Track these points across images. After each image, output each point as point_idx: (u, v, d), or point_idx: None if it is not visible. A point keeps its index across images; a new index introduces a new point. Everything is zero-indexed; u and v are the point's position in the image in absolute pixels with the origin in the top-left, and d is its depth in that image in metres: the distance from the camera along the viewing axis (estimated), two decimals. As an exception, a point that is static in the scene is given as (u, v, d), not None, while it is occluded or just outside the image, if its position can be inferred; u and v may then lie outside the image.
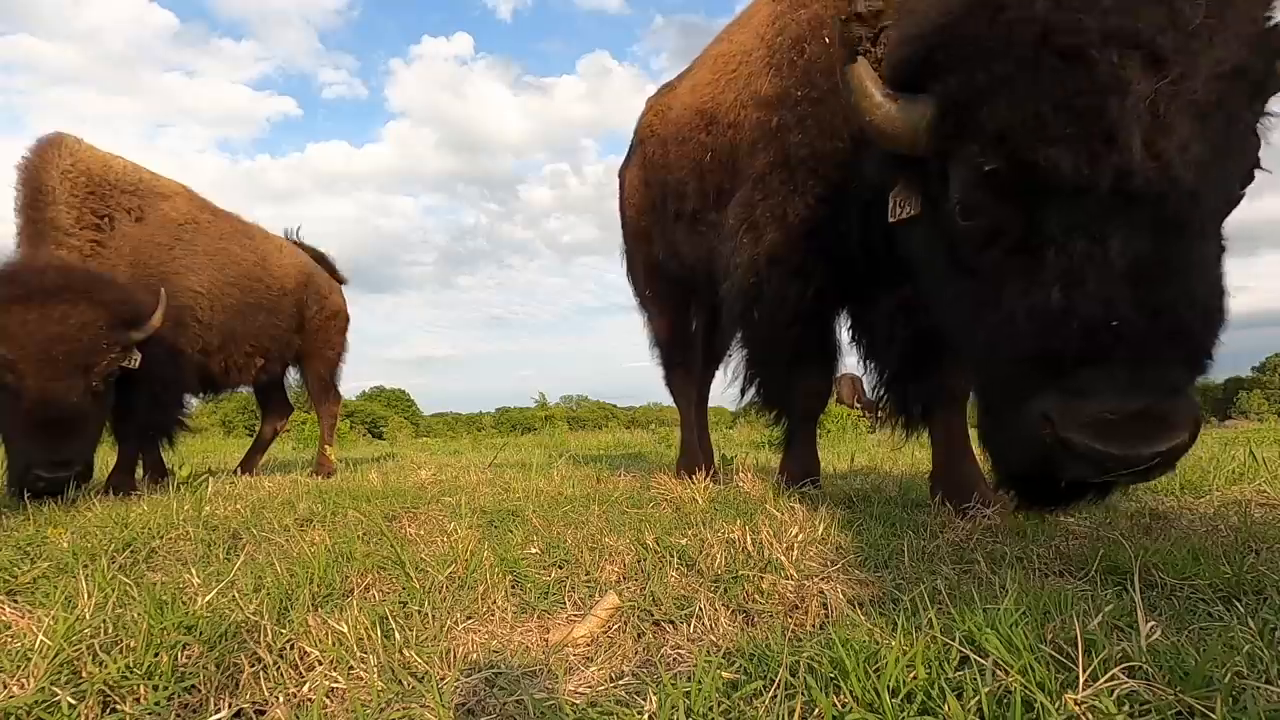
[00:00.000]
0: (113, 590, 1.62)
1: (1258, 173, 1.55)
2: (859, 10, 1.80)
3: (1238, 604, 1.46)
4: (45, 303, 3.56)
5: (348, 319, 6.72)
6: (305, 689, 1.22)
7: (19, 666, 1.19)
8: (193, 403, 5.41)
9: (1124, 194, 1.37)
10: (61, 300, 3.60)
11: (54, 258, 4.02)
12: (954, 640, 1.14)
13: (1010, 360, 1.56)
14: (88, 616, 1.39)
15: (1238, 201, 1.52)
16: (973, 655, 1.08)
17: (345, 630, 1.37)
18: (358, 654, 1.31)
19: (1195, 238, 1.41)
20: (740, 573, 1.78)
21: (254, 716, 1.17)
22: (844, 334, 3.14)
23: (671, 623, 1.55)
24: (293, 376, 6.56)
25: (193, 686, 1.20)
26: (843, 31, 1.85)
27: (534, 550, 2.10)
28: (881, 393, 2.99)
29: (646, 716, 1.05)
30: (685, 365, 4.51)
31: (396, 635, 1.40)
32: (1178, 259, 1.38)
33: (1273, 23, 1.46)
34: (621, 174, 4.72)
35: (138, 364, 3.90)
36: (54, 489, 3.52)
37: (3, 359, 3.44)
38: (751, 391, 3.28)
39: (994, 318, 1.59)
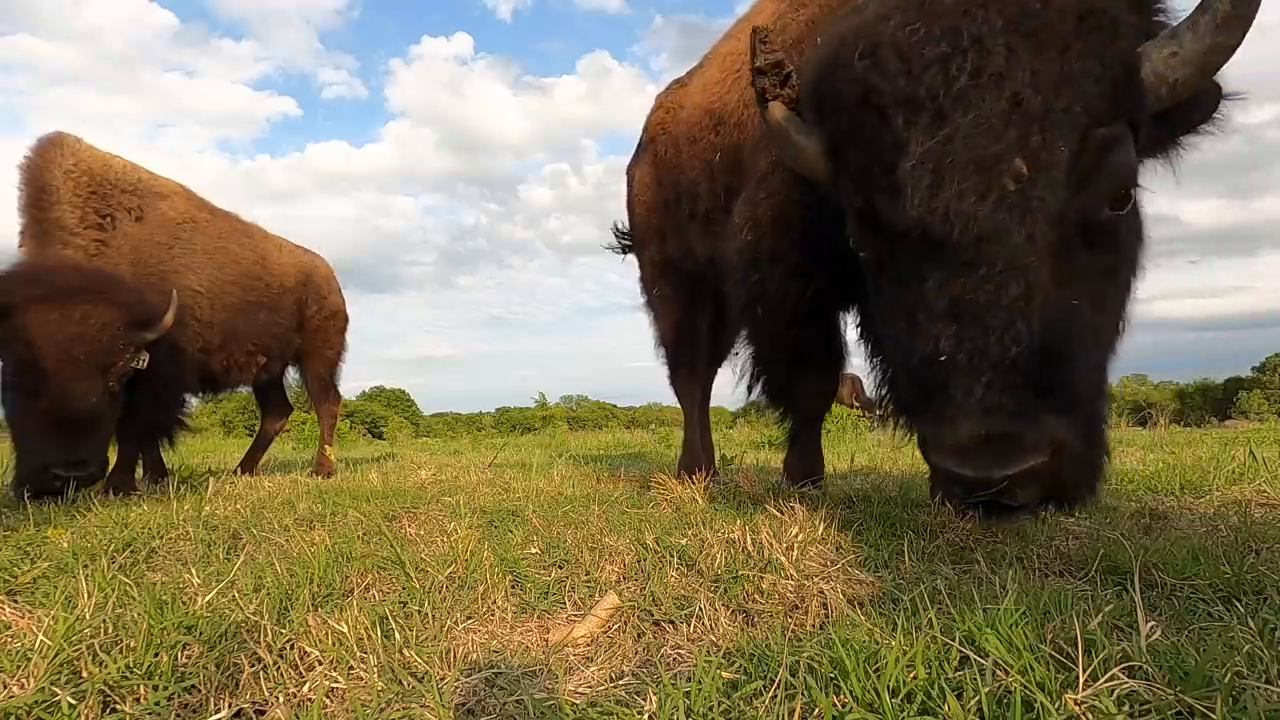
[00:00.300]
0: (113, 590, 1.62)
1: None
2: (759, 65, 1.98)
3: (1238, 604, 1.46)
4: (65, 303, 3.59)
5: (347, 318, 6.72)
6: (305, 689, 1.22)
7: (19, 666, 1.19)
8: (193, 402, 5.41)
9: (935, 241, 1.53)
10: (81, 301, 3.63)
11: (68, 258, 4.05)
12: (954, 640, 1.14)
13: (904, 383, 1.72)
14: (88, 616, 1.39)
15: (1111, 226, 1.59)
16: (973, 655, 1.08)
17: (345, 630, 1.37)
18: (358, 654, 1.31)
19: (1021, 275, 1.48)
20: (740, 573, 1.78)
21: (254, 716, 1.17)
22: (851, 334, 3.17)
23: (671, 623, 1.55)
24: (292, 376, 6.55)
25: (193, 686, 1.20)
26: (753, 82, 2.03)
27: (534, 550, 2.11)
28: (883, 392, 3.01)
29: (646, 716, 1.05)
30: (690, 365, 4.51)
31: (396, 635, 1.40)
32: (1005, 297, 1.48)
33: (1093, 52, 1.51)
34: (630, 171, 4.71)
35: (146, 365, 3.93)
36: (66, 487, 3.54)
37: (23, 359, 3.47)
38: (756, 389, 3.30)
39: (888, 343, 1.76)
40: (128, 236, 4.46)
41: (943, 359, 1.51)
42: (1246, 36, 1.51)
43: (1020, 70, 1.47)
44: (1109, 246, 1.60)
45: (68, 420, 3.54)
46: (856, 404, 15.46)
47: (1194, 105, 1.64)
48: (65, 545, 2.22)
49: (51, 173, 4.19)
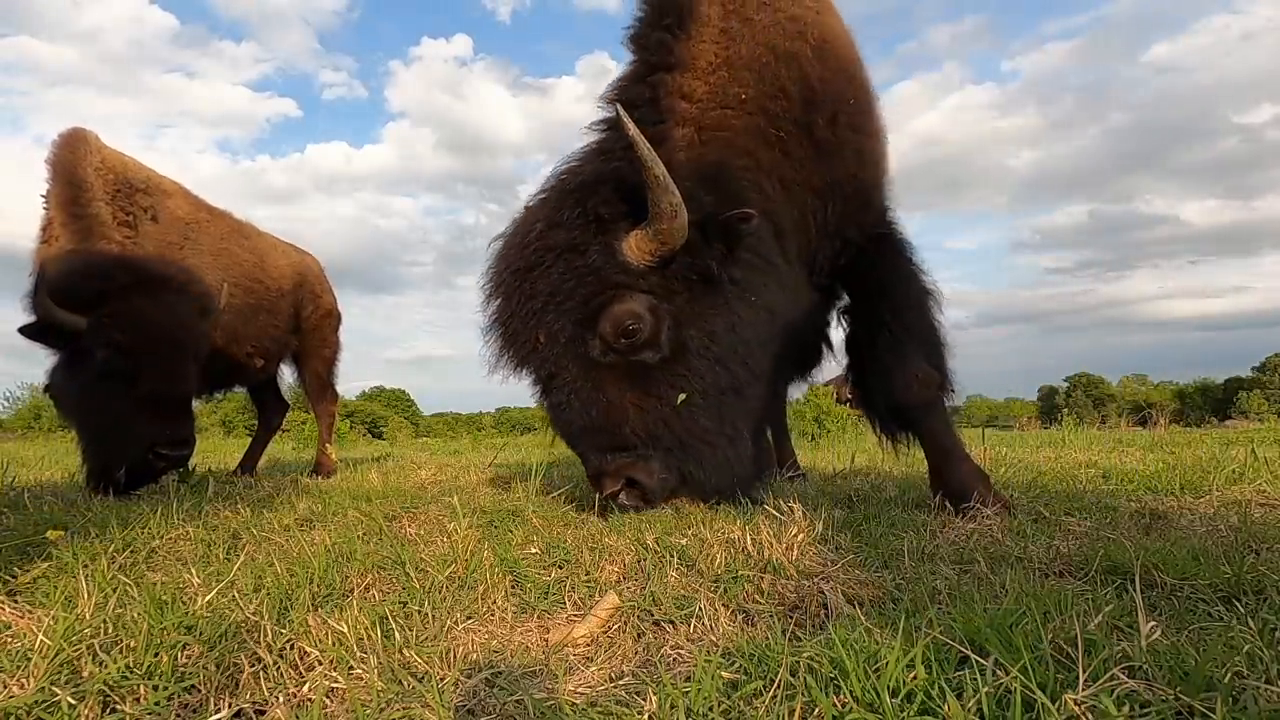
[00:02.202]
0: (113, 590, 1.62)
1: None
2: (599, 211, 2.43)
3: (1238, 604, 1.46)
4: (159, 290, 3.77)
5: (340, 317, 6.72)
6: (305, 689, 1.22)
7: (19, 666, 1.19)
8: (194, 403, 5.43)
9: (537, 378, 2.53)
10: (172, 288, 3.84)
11: (140, 250, 4.26)
12: (954, 640, 1.14)
13: None
14: (88, 616, 1.39)
15: (639, 347, 2.36)
16: (973, 655, 1.08)
17: (345, 630, 1.37)
18: (358, 654, 1.31)
19: (571, 390, 2.40)
20: (740, 573, 1.78)
21: (254, 716, 1.17)
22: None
23: (671, 623, 1.55)
24: (288, 375, 6.56)
25: (193, 686, 1.20)
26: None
27: (534, 550, 2.10)
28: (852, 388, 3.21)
29: (646, 716, 1.05)
30: None
31: (396, 635, 1.40)
32: (567, 403, 2.41)
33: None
34: None
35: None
36: (165, 471, 3.87)
37: (120, 345, 3.57)
38: None
39: None
40: (148, 235, 4.52)
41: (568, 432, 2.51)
42: (681, 228, 2.27)
43: (534, 285, 2.37)
44: (649, 357, 2.36)
45: (172, 401, 3.76)
46: (848, 398, 15.54)
47: (713, 236, 2.35)
48: (65, 545, 2.22)
49: (85, 169, 4.29)
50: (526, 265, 2.40)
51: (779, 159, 2.61)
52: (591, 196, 2.40)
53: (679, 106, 2.56)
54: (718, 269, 2.38)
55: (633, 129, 2.21)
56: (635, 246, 2.32)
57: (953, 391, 2.84)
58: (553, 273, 2.34)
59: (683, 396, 2.38)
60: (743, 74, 2.61)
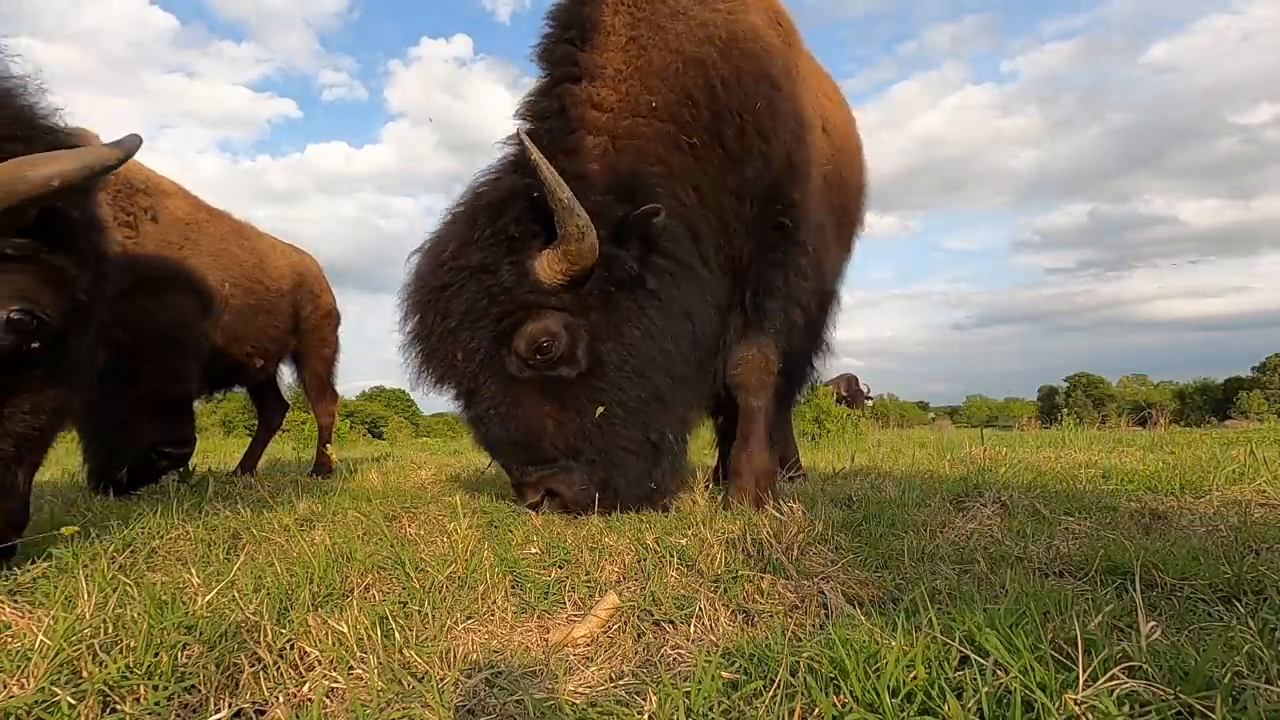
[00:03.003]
0: (113, 590, 1.62)
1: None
2: (509, 230, 2.50)
3: (1238, 604, 1.46)
4: (163, 290, 3.81)
5: (339, 318, 6.72)
6: (305, 689, 1.22)
7: (19, 666, 1.19)
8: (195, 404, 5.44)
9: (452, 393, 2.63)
10: (170, 289, 3.87)
11: (141, 250, 4.23)
12: (954, 640, 1.14)
13: None
14: (88, 616, 1.39)
15: (552, 363, 2.46)
16: (973, 655, 1.08)
17: (345, 630, 1.37)
18: (358, 654, 1.31)
19: (489, 404, 2.49)
20: (740, 573, 1.78)
21: (254, 716, 1.17)
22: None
23: (671, 623, 1.55)
24: (288, 375, 6.56)
25: (193, 686, 1.20)
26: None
27: (534, 550, 2.10)
28: None
29: (646, 716, 1.05)
30: None
31: (396, 635, 1.39)
32: (487, 416, 2.51)
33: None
34: None
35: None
36: (165, 470, 3.85)
37: (121, 344, 3.56)
38: None
39: None
40: (148, 235, 4.51)
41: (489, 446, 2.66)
42: (590, 248, 2.31)
43: (449, 304, 2.45)
44: (566, 373, 2.43)
45: (174, 401, 3.76)
46: (845, 396, 15.63)
47: (628, 242, 2.41)
48: (65, 545, 2.21)
49: None
50: (440, 284, 2.46)
51: (692, 165, 2.64)
52: (502, 215, 2.45)
53: (590, 116, 2.59)
54: (634, 277, 2.43)
55: (535, 154, 2.27)
56: (547, 266, 2.37)
57: (795, 379, 2.95)
58: (466, 292, 2.40)
59: (601, 410, 2.42)
60: (653, 82, 2.63)
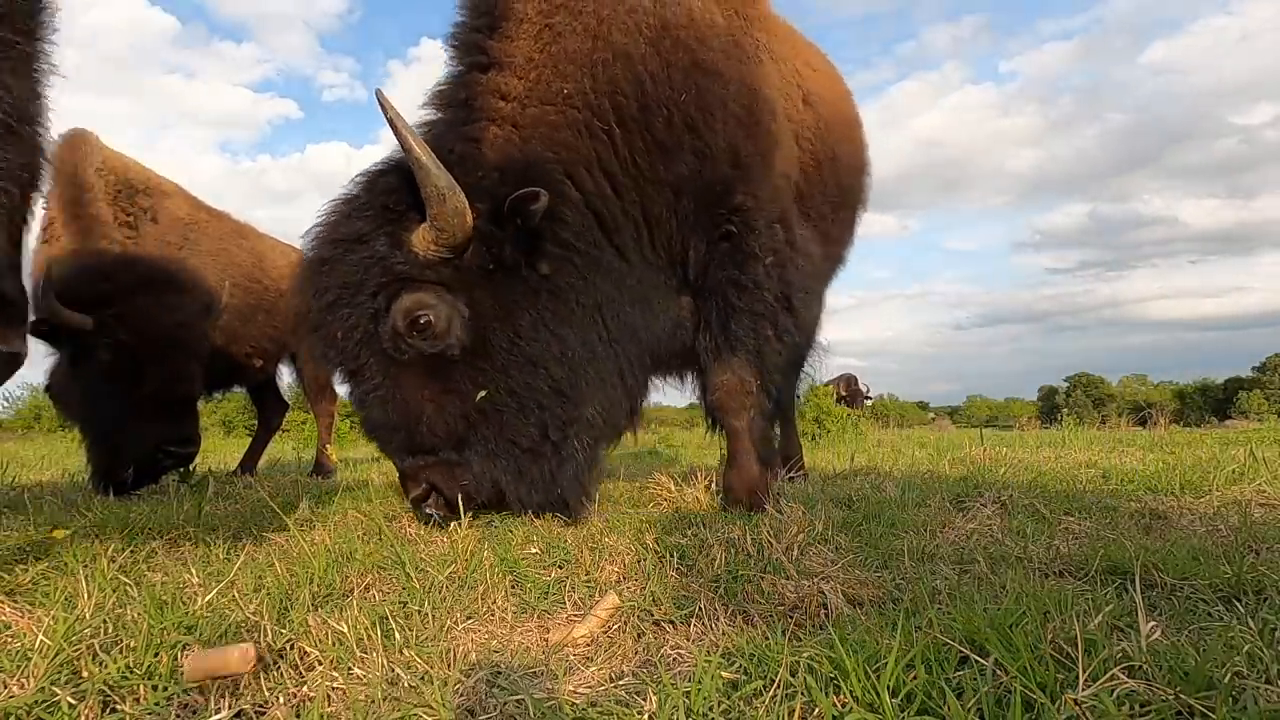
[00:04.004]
0: (113, 590, 1.62)
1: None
2: (385, 201, 2.43)
3: (1238, 604, 1.46)
4: (165, 290, 3.81)
5: None
6: (305, 689, 1.22)
7: (19, 666, 1.19)
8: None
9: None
10: (172, 289, 3.88)
11: (147, 249, 4.32)
12: (954, 640, 1.14)
13: None
14: (88, 616, 1.39)
15: (433, 344, 2.34)
16: (973, 655, 1.08)
17: (345, 630, 1.37)
18: (358, 654, 1.31)
19: (366, 386, 2.37)
20: (740, 573, 1.78)
21: (254, 716, 1.17)
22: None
23: (671, 623, 1.55)
24: (288, 375, 6.56)
25: (193, 686, 1.20)
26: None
27: (534, 550, 2.10)
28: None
29: (646, 716, 1.05)
30: None
31: (396, 635, 1.39)
32: (391, 398, 2.35)
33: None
34: None
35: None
36: (168, 470, 3.91)
37: (124, 344, 3.62)
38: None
39: None
40: (149, 236, 4.54)
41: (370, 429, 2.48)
42: (456, 213, 2.21)
43: (327, 279, 2.35)
44: (447, 351, 2.32)
45: (178, 401, 3.80)
46: (844, 396, 15.65)
47: (508, 224, 2.29)
48: (65, 545, 2.22)
49: (86, 170, 4.33)
50: (320, 258, 2.36)
51: (608, 154, 2.55)
52: (377, 186, 2.39)
53: (494, 105, 2.51)
54: (512, 258, 2.33)
55: (390, 111, 2.18)
56: (420, 236, 2.28)
57: (773, 405, 2.86)
58: (343, 265, 2.31)
59: (482, 393, 2.32)
60: (567, 68, 2.55)
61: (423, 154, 2.16)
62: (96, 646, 1.24)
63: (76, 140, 4.43)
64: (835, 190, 3.47)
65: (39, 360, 4.30)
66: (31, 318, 3.65)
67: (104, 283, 3.68)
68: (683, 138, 2.62)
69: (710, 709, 1.05)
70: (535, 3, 2.62)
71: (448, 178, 2.17)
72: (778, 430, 3.34)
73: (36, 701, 1.10)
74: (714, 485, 3.24)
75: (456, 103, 2.56)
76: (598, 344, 2.49)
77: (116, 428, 3.71)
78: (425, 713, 1.10)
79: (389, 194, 2.37)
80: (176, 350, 3.76)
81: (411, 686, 1.21)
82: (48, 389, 4.11)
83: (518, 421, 2.36)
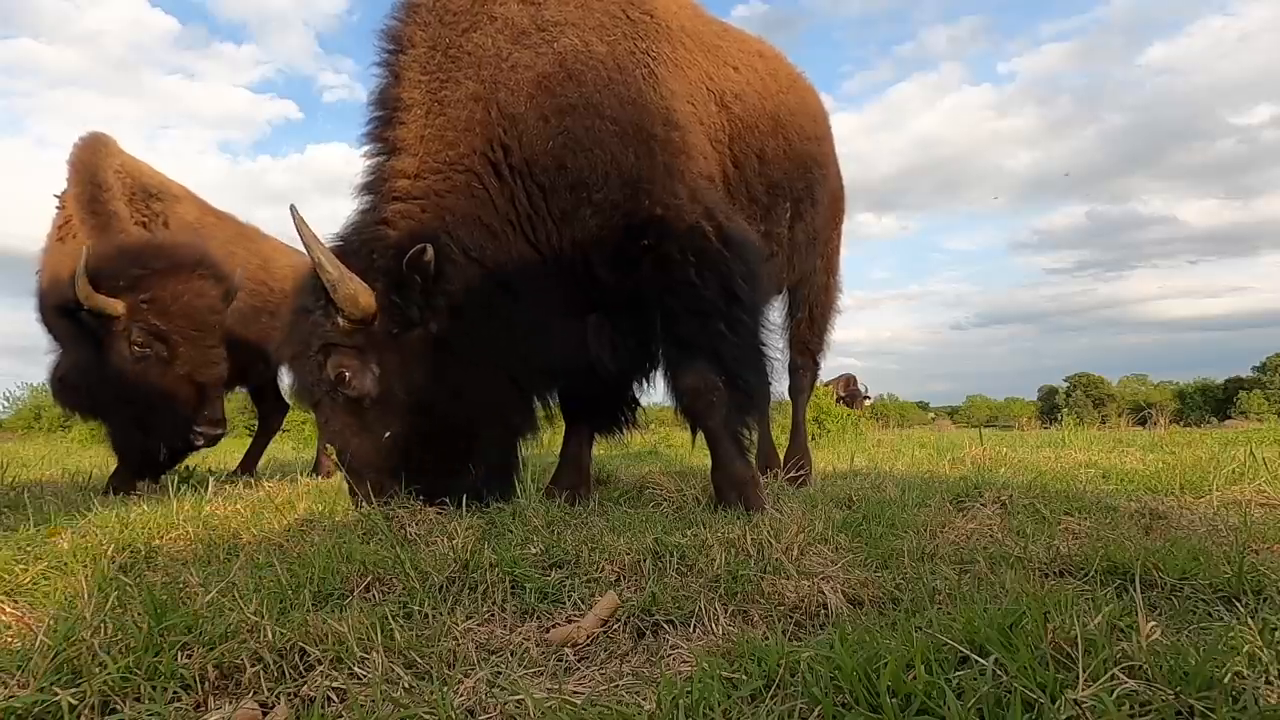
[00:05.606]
0: (113, 590, 1.62)
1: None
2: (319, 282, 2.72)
3: (1238, 604, 1.46)
4: (191, 275, 3.93)
5: None
6: (305, 689, 1.22)
7: (19, 666, 1.19)
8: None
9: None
10: (202, 273, 4.00)
11: (170, 235, 4.43)
12: (954, 640, 1.14)
13: None
14: (88, 616, 1.39)
15: (359, 391, 2.75)
16: (973, 655, 1.08)
17: (345, 630, 1.37)
18: (358, 654, 1.31)
19: (336, 421, 2.82)
20: (740, 573, 1.78)
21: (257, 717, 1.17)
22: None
23: (671, 623, 1.55)
24: (288, 376, 6.55)
25: (192, 687, 1.20)
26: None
27: (534, 550, 2.10)
28: None
29: (646, 716, 1.05)
30: None
31: (397, 635, 1.39)
32: (331, 430, 2.85)
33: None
34: None
35: None
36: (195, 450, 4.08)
37: (154, 329, 3.74)
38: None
39: None
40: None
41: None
42: (350, 298, 2.61)
43: (293, 336, 2.85)
44: (364, 401, 2.75)
45: (207, 383, 3.94)
46: (843, 396, 15.66)
47: (408, 291, 2.67)
48: (65, 545, 2.22)
49: (105, 170, 4.45)
50: (292, 319, 2.95)
51: (489, 208, 2.86)
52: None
53: (400, 185, 2.86)
54: (416, 319, 2.73)
55: (297, 219, 2.63)
56: (342, 315, 2.78)
57: (744, 397, 2.92)
58: (300, 328, 2.86)
59: (387, 435, 2.79)
60: (449, 136, 2.86)
61: (320, 254, 2.58)
62: (96, 646, 1.24)
63: (95, 142, 4.53)
64: (770, 185, 3.63)
65: (39, 358, 4.29)
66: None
67: (137, 267, 3.81)
68: (561, 179, 2.89)
69: (710, 709, 1.05)
70: (423, 85, 2.93)
71: (338, 271, 2.59)
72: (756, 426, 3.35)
73: (36, 701, 1.10)
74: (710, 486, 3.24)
75: (371, 189, 2.95)
76: (490, 379, 2.86)
77: (151, 410, 3.84)
78: (425, 713, 1.10)
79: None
80: (206, 333, 3.91)
81: (411, 687, 1.21)
82: (58, 381, 4.14)
83: (421, 453, 2.82)
